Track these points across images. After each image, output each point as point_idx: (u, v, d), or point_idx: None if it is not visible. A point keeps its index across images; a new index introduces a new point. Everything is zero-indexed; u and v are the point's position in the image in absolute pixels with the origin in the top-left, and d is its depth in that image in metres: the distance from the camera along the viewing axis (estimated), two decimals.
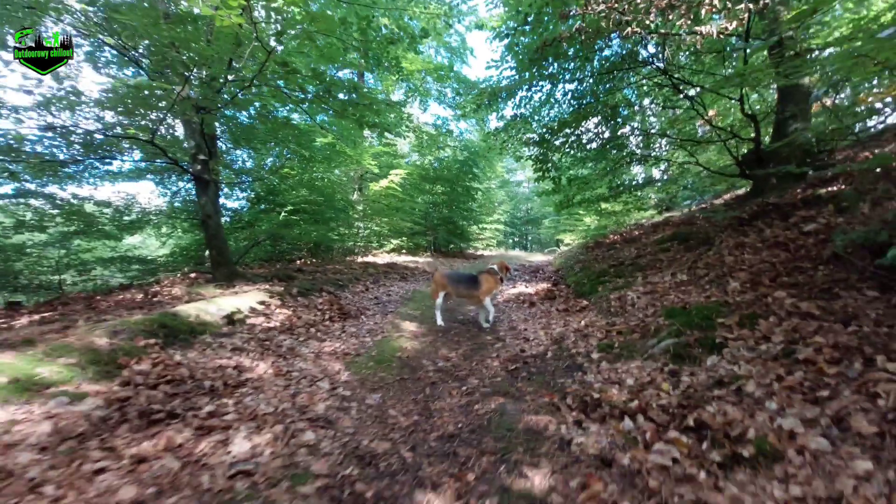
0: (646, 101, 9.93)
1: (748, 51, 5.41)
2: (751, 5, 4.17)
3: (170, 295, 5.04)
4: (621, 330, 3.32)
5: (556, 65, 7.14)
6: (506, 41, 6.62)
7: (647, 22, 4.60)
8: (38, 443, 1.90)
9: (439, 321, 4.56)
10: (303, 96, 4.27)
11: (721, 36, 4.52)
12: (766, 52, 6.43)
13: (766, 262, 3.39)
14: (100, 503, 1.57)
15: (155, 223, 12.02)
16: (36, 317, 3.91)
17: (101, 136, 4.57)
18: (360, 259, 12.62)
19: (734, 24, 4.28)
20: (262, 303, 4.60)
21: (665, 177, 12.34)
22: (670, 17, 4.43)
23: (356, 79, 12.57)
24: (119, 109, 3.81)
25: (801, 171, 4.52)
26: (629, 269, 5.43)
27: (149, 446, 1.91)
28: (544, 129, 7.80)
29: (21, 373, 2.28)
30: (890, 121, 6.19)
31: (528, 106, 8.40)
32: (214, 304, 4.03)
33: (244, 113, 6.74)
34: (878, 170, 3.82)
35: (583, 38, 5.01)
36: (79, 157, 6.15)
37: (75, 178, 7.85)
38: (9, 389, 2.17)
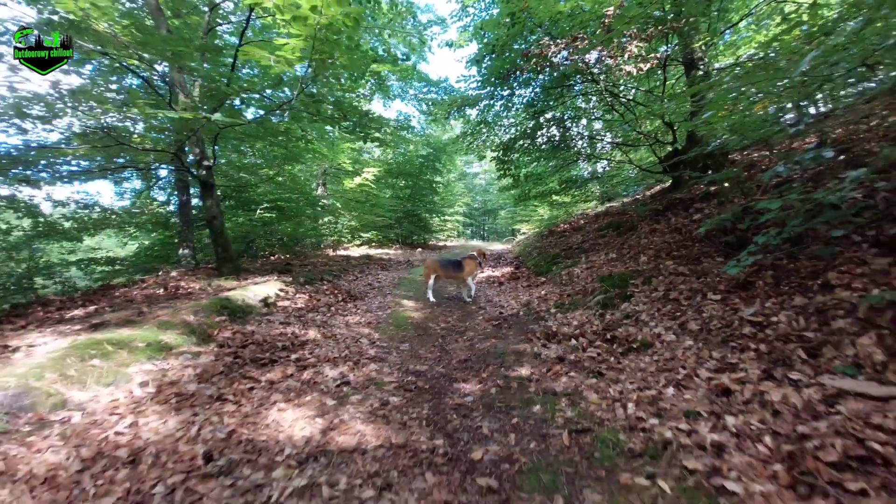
0: (590, 104, 11.46)
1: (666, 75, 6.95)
2: (658, 55, 5.59)
3: (191, 288, 5.71)
4: (570, 294, 4.63)
5: (513, 76, 8.40)
6: (474, 67, 7.74)
7: (589, 58, 5.92)
8: (191, 380, 2.81)
9: (431, 298, 5.67)
10: (318, 117, 5.11)
11: (641, 71, 5.92)
12: (682, 70, 8.10)
13: (666, 242, 4.84)
14: (264, 401, 2.54)
15: (117, 224, 11.94)
16: (91, 308, 4.53)
17: (121, 144, 5.10)
18: (333, 252, 13.31)
19: (648, 65, 5.69)
20: (281, 290, 5.45)
21: (607, 170, 14.10)
22: (604, 57, 5.76)
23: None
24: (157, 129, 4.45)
25: (697, 176, 6.10)
26: (576, 252, 6.84)
27: (272, 375, 2.88)
28: (507, 137, 9.04)
29: (150, 340, 3.12)
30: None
31: (490, 112, 9.63)
32: (250, 291, 4.86)
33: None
34: (744, 174, 5.43)
35: (538, 68, 6.26)
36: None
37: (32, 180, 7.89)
38: (148, 350, 3.01)
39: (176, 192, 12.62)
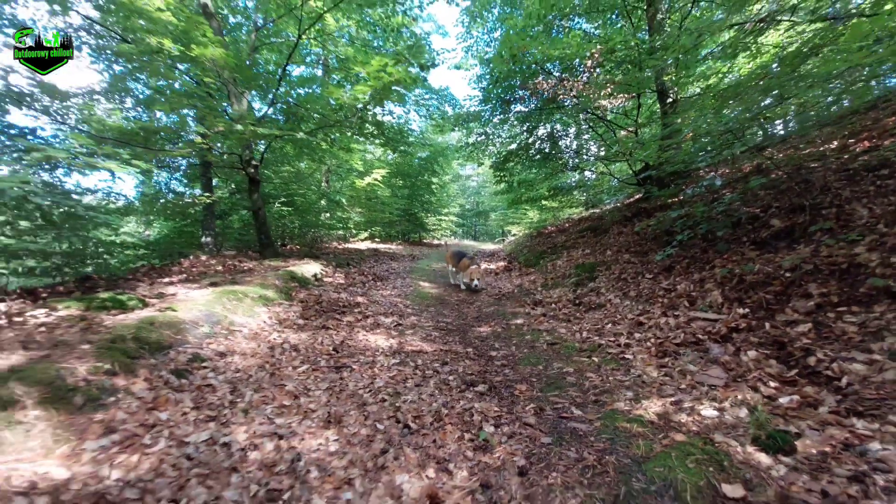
0: (578, 120, 12.93)
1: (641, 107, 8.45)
2: (630, 89, 7.08)
3: (247, 266, 6.95)
4: (552, 278, 6.07)
5: (512, 101, 9.84)
6: (478, 88, 9.16)
7: (573, 94, 7.38)
8: (298, 318, 4.12)
9: (452, 280, 7.04)
10: (360, 133, 6.42)
11: (613, 105, 7.40)
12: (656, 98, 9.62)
13: (627, 241, 6.32)
14: (352, 331, 3.87)
15: (140, 211, 12.93)
16: (174, 278, 5.75)
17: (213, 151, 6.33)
18: (343, 245, 14.56)
19: (619, 101, 7.16)
20: (323, 270, 6.75)
21: (592, 179, 15.66)
22: (585, 93, 7.22)
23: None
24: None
25: (653, 191, 7.58)
26: (559, 249, 8.29)
27: (348, 319, 4.22)
28: (503, 149, 10.48)
29: (259, 293, 4.41)
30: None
31: (489, 125, 11.06)
32: (302, 269, 6.15)
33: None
34: (684, 193, 6.95)
35: (533, 96, 7.70)
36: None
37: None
38: (260, 300, 4.31)
39: (192, 185, 13.74)
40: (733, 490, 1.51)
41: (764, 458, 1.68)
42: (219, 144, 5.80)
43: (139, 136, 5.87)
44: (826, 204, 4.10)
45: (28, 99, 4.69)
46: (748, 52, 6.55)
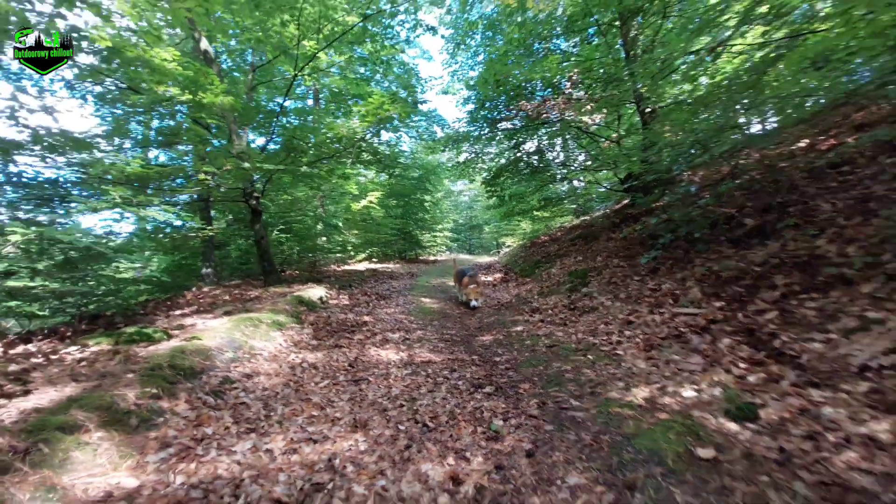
0: (565, 133, 13.46)
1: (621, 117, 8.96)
2: (608, 108, 7.56)
3: (253, 294, 7.19)
4: (548, 286, 6.37)
5: (498, 121, 10.33)
6: (465, 109, 9.62)
7: (558, 111, 7.86)
8: (311, 339, 4.37)
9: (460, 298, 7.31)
10: (357, 160, 6.80)
11: (593, 121, 7.87)
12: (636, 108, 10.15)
13: (616, 246, 6.67)
14: (363, 347, 4.13)
15: (137, 247, 13.11)
16: (187, 310, 5.98)
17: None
18: (341, 267, 14.81)
19: (600, 116, 7.63)
20: (327, 293, 7.01)
21: (581, 186, 16.16)
22: (567, 112, 7.68)
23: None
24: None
25: (638, 198, 8.02)
26: (553, 258, 8.63)
27: (358, 337, 4.47)
28: (493, 164, 10.93)
29: (272, 319, 4.67)
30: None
31: (478, 143, 11.53)
32: (307, 293, 6.41)
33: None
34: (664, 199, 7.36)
35: (520, 115, 8.16)
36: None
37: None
38: (274, 325, 4.56)
39: (190, 217, 14.06)
40: (706, 453, 1.79)
41: (733, 426, 1.97)
42: (215, 177, 6.12)
43: (155, 178, 6.20)
44: (793, 201, 4.47)
45: (53, 151, 4.98)
46: (707, 74, 7.07)
